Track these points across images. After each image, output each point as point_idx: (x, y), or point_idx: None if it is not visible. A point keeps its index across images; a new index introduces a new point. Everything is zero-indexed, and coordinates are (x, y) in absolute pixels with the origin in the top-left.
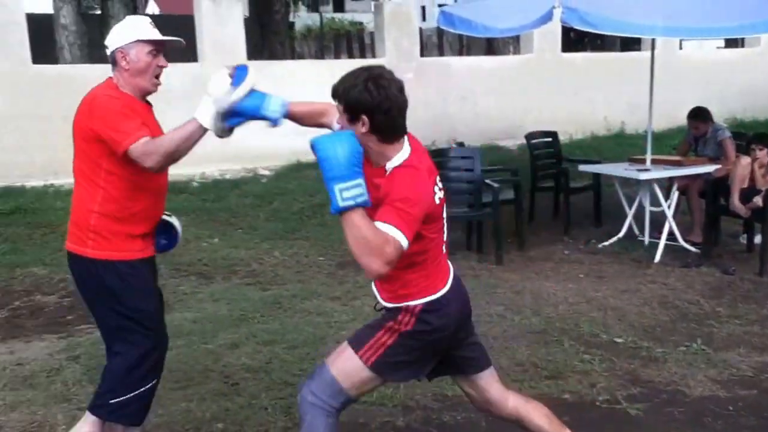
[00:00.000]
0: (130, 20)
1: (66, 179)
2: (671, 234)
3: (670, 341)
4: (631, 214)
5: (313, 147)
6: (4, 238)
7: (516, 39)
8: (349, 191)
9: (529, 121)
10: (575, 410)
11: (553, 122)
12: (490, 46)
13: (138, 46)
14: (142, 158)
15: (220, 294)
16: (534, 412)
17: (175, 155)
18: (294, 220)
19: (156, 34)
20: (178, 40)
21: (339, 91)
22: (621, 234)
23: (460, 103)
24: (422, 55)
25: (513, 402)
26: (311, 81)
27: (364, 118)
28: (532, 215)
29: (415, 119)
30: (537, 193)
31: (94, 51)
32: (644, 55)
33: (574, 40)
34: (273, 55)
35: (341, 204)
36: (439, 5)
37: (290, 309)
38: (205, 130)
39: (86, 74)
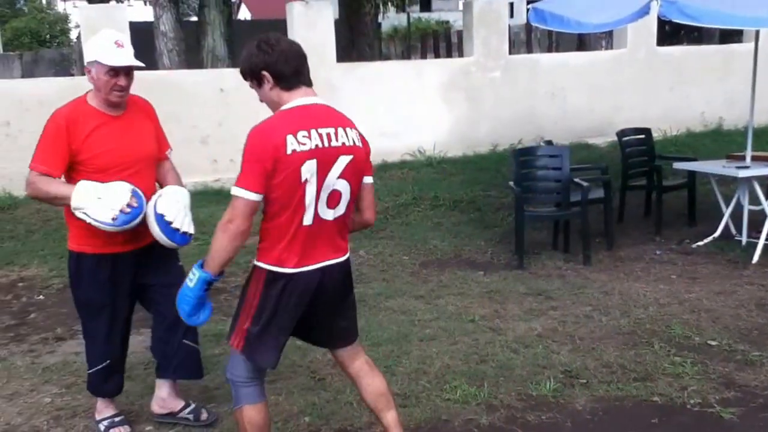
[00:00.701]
0: (98, 38)
1: None
2: None
3: (767, 345)
4: (728, 213)
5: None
6: None
7: (609, 34)
8: (192, 282)
9: (621, 118)
10: (665, 413)
11: (646, 119)
12: (582, 42)
13: (98, 66)
14: (26, 183)
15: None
16: (365, 387)
17: (42, 200)
18: (379, 220)
19: (114, 58)
20: (137, 65)
21: (241, 68)
22: (717, 234)
23: (548, 101)
24: (510, 52)
25: (354, 369)
26: (398, 81)
27: (266, 74)
28: (622, 215)
29: (502, 117)
30: (628, 192)
31: (191, 57)
32: (746, 47)
33: (669, 33)
34: (361, 57)
35: (199, 283)
36: (528, 2)
37: (375, 307)
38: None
39: (183, 79)
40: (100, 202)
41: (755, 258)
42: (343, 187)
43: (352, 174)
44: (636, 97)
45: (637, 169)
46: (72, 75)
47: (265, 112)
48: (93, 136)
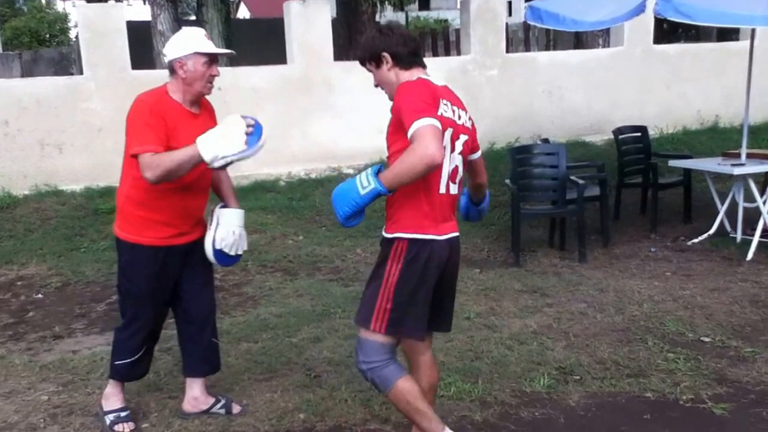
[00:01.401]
0: (188, 32)
1: None
2: (765, 231)
3: (760, 341)
4: (723, 210)
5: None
6: (104, 235)
7: (606, 32)
8: (363, 190)
9: (618, 115)
10: (658, 408)
11: (643, 116)
12: (579, 40)
13: (195, 57)
14: (143, 169)
15: (304, 290)
16: (426, 378)
17: (172, 174)
18: (376, 218)
19: (211, 47)
20: (230, 52)
21: (360, 53)
22: (711, 231)
23: (545, 99)
24: (508, 50)
25: (425, 358)
26: None
27: (385, 55)
28: (618, 212)
29: (499, 115)
30: (624, 190)
31: None
32: (742, 45)
33: (667, 31)
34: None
35: (370, 192)
36: (526, 0)
37: None
38: (201, 160)
39: None
40: (227, 140)
41: (749, 255)
42: (460, 163)
43: (466, 153)
44: (633, 95)
45: (633, 166)
46: (71, 74)
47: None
48: (177, 130)
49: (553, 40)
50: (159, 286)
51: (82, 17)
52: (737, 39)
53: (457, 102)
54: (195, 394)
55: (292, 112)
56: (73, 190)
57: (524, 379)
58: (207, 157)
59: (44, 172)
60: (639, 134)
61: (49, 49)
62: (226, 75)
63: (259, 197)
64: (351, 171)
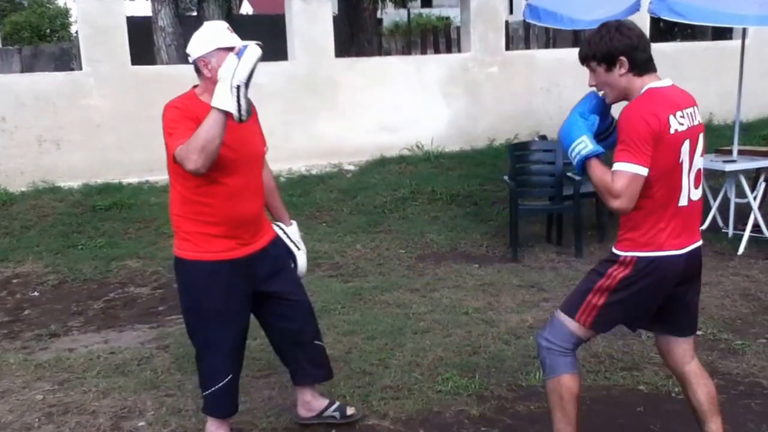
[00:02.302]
0: (209, 27)
1: (161, 176)
2: (756, 226)
3: (750, 333)
4: (715, 206)
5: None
6: (101, 232)
7: None
8: (574, 151)
9: (615, 113)
10: (651, 401)
11: None
12: (577, 38)
13: (219, 53)
14: (184, 163)
15: (304, 286)
16: (703, 387)
17: (205, 149)
18: (376, 214)
19: (235, 40)
20: (258, 43)
21: (590, 50)
22: (704, 226)
23: (544, 96)
24: (508, 48)
25: (691, 367)
26: (397, 76)
27: (622, 59)
28: None
29: (499, 112)
30: None
31: None
32: (737, 44)
33: (664, 30)
34: (361, 52)
35: (574, 162)
36: None
37: (370, 300)
38: (225, 114)
39: (182, 74)
40: (222, 76)
41: (740, 249)
42: (701, 163)
43: (704, 151)
44: None
45: None
46: (72, 70)
47: (264, 107)
48: None
49: (553, 38)
50: (229, 305)
51: (82, 12)
52: (732, 38)
53: (687, 100)
54: (306, 399)
55: (294, 109)
56: (71, 187)
57: (521, 373)
58: (224, 106)
59: (42, 169)
60: None
61: (50, 44)
62: None
63: None
64: (352, 167)
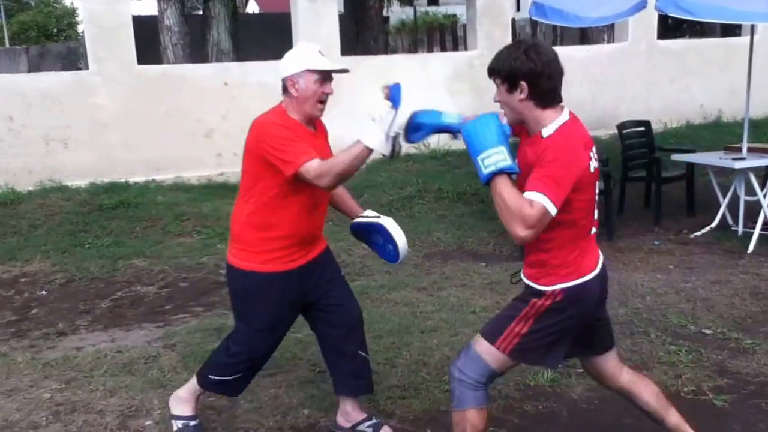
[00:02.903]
0: (301, 49)
1: (167, 175)
2: (766, 224)
3: (760, 332)
4: (724, 204)
5: (462, 133)
6: (107, 231)
7: (611, 27)
8: (490, 158)
9: (622, 110)
10: None
11: (647, 111)
12: (584, 36)
13: (307, 75)
14: (317, 180)
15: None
16: (644, 389)
17: (345, 175)
18: (383, 212)
19: (325, 64)
20: (345, 69)
21: (497, 66)
22: (714, 224)
23: None
24: None
25: (626, 377)
26: (405, 75)
27: (523, 84)
28: (622, 206)
29: None
30: (628, 184)
31: (195, 51)
32: (746, 40)
33: (671, 27)
34: (366, 50)
35: (484, 172)
36: None
37: (377, 299)
38: (370, 151)
39: (187, 73)
40: (377, 118)
41: (750, 248)
42: (597, 193)
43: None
44: (637, 90)
45: (637, 161)
46: (79, 69)
47: (268, 106)
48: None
49: (560, 36)
50: (280, 315)
51: (89, 12)
52: (740, 35)
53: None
54: (347, 409)
55: None
56: (78, 186)
57: (528, 372)
58: (379, 148)
59: (49, 168)
60: (643, 129)
61: (57, 44)
62: (233, 70)
63: None
64: None
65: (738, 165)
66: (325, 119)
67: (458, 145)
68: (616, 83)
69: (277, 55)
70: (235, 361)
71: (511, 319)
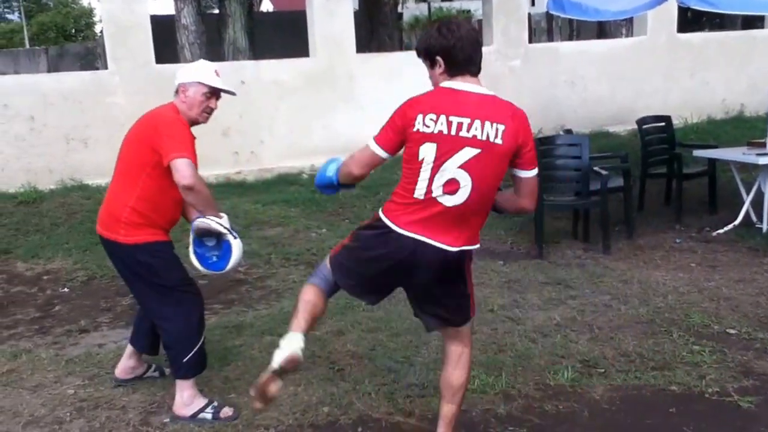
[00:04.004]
0: (200, 65)
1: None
2: None
3: None
4: (748, 200)
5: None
6: None
7: (629, 21)
8: (328, 168)
9: (641, 105)
10: (683, 402)
11: (667, 106)
12: (602, 30)
13: (198, 86)
14: (183, 179)
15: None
16: (449, 372)
17: (198, 202)
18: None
19: (215, 82)
20: (232, 91)
21: (419, 47)
22: (737, 221)
23: (568, 89)
24: (530, 41)
25: (452, 348)
26: (419, 71)
27: (438, 59)
28: (642, 203)
29: (522, 106)
30: (648, 180)
31: (212, 49)
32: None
33: (691, 20)
34: (381, 47)
35: (327, 173)
36: None
37: (394, 297)
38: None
39: None
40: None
41: None
42: (463, 177)
43: (478, 168)
44: (656, 85)
45: (657, 157)
46: (97, 69)
47: (276, 101)
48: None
49: (577, 30)
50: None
51: (107, 12)
52: (763, 27)
53: (477, 113)
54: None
55: (315, 105)
56: (98, 185)
57: (548, 372)
58: (200, 222)
59: (70, 167)
60: (663, 124)
61: (75, 44)
62: (249, 68)
63: (282, 190)
64: None
65: (762, 160)
66: (339, 116)
67: None
68: (634, 78)
69: (293, 53)
70: (182, 329)
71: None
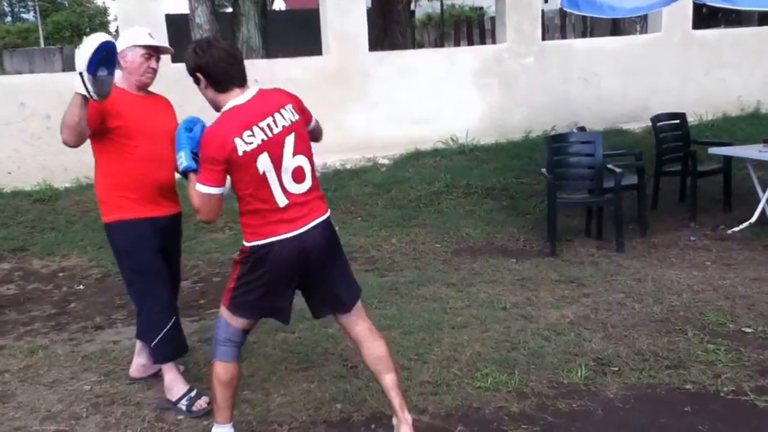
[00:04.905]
0: (133, 30)
1: None
2: None
3: None
4: (764, 198)
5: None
6: None
7: (643, 18)
8: (179, 159)
9: (655, 102)
10: (698, 401)
11: (682, 103)
12: (616, 26)
13: (134, 49)
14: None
15: None
16: (368, 350)
17: (67, 124)
18: (411, 208)
19: (149, 41)
20: (169, 48)
21: (186, 65)
22: (753, 219)
23: (582, 87)
24: (544, 38)
25: (359, 330)
26: (430, 69)
27: (199, 75)
28: (657, 201)
29: (535, 103)
30: (662, 178)
31: None
32: None
33: (706, 16)
34: (394, 45)
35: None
36: None
37: (407, 295)
38: (81, 96)
39: None
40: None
41: None
42: (302, 160)
43: (301, 144)
44: (671, 82)
45: (671, 154)
46: None
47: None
48: (121, 112)
49: (590, 27)
50: (156, 258)
51: (122, 12)
52: None
53: (269, 109)
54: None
55: (328, 103)
56: None
57: (561, 370)
58: (78, 89)
59: (85, 165)
60: (677, 121)
61: None
62: (263, 67)
63: None
64: (386, 161)
65: None
66: (352, 114)
67: (487, 139)
68: (648, 75)
69: (306, 51)
70: (150, 311)
71: (230, 278)
